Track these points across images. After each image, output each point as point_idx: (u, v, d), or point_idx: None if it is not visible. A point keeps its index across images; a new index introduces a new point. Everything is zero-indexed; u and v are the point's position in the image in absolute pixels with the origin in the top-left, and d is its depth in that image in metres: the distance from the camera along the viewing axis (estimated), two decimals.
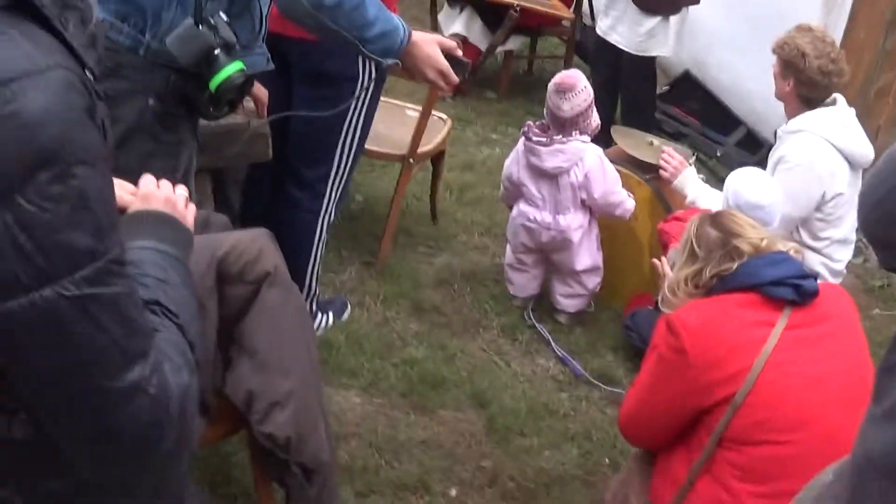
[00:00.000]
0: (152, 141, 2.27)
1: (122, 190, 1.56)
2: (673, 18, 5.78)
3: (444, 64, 2.80)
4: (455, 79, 2.86)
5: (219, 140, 2.81)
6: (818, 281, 2.56)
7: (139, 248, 1.42)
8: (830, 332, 2.50)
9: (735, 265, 2.54)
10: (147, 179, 1.60)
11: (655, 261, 3.11)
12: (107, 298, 1.15)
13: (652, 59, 5.95)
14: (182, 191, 1.63)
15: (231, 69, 2.21)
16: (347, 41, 2.58)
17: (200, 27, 2.20)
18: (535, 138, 4.01)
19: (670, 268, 2.87)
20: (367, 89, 3.28)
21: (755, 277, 2.49)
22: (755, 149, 6.14)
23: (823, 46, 3.86)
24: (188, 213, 1.62)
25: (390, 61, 2.72)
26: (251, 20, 2.49)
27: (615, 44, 5.87)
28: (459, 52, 2.91)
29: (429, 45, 2.77)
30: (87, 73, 1.17)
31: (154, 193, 1.58)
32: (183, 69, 2.25)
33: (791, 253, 2.60)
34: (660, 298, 2.76)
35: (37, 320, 1.10)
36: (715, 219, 2.70)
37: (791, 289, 2.45)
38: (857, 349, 2.55)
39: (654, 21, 5.73)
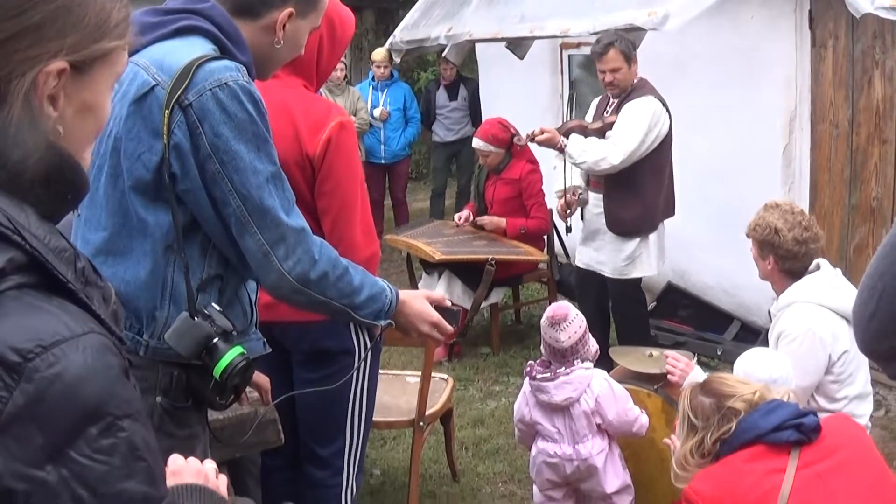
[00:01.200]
0: (167, 438, 2.27)
1: None
2: (651, 236, 5.98)
3: (436, 316, 2.83)
4: (449, 328, 2.89)
5: (230, 432, 2.84)
6: (819, 416, 2.58)
7: None
8: (844, 460, 2.51)
9: (734, 425, 2.57)
10: (174, 457, 1.64)
11: (667, 440, 3.12)
12: None
13: (638, 280, 6.10)
14: (211, 464, 1.67)
15: (232, 354, 2.26)
16: (339, 311, 2.60)
17: (196, 319, 2.27)
18: (539, 376, 4.05)
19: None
20: (365, 360, 3.34)
21: (756, 430, 2.53)
22: (753, 339, 6.20)
23: (793, 217, 3.97)
24: (220, 484, 1.66)
25: (383, 323, 2.72)
26: (241, 308, 2.57)
27: (599, 272, 6.03)
28: (448, 303, 2.98)
29: (418, 301, 2.81)
30: (117, 341, 1.24)
31: (184, 467, 1.62)
32: (185, 362, 2.31)
33: (784, 398, 2.63)
34: (672, 476, 2.77)
35: None
36: (704, 387, 2.76)
37: (793, 430, 2.48)
38: (875, 471, 2.54)
39: (634, 243, 5.92)
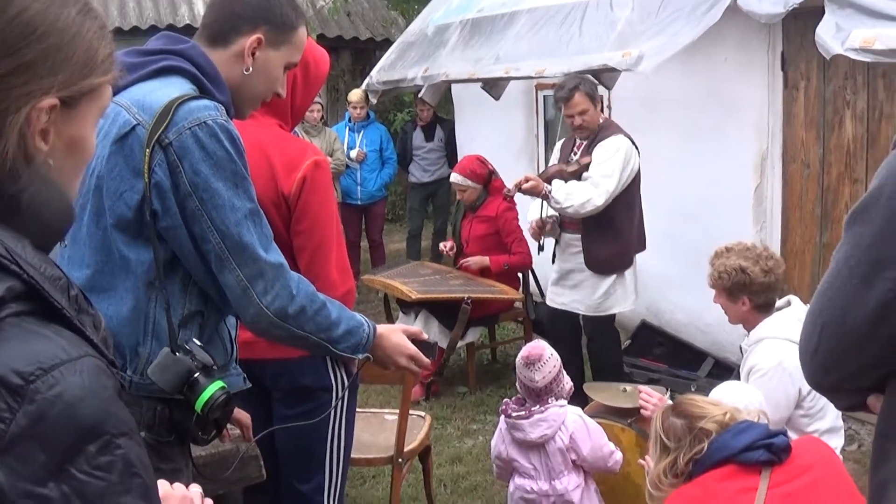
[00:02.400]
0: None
1: None
2: (627, 272, 6.06)
3: (413, 349, 2.86)
4: (426, 361, 2.92)
5: (213, 468, 2.84)
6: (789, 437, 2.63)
7: None
8: (815, 480, 2.55)
9: (705, 445, 2.62)
10: (161, 482, 1.66)
11: (641, 461, 3.16)
12: None
13: (612, 317, 6.16)
14: (196, 488, 1.70)
15: (213, 389, 2.28)
16: (317, 345, 2.63)
17: (177, 354, 2.30)
18: (514, 414, 4.08)
19: None
20: (343, 396, 3.37)
21: (727, 450, 2.58)
22: (727, 375, 6.21)
23: (750, 252, 4.05)
24: None
25: (361, 357, 2.75)
26: (222, 343, 2.60)
27: (573, 311, 6.08)
28: (425, 336, 3.01)
29: (395, 335, 2.84)
30: (110, 364, 1.29)
31: (170, 493, 1.64)
32: (168, 397, 2.33)
33: (755, 419, 2.69)
34: (647, 496, 2.81)
35: None
36: (676, 408, 2.81)
37: (763, 450, 2.54)
38: (845, 491, 2.58)
39: (611, 280, 6.00)
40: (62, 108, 1.27)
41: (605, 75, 6.61)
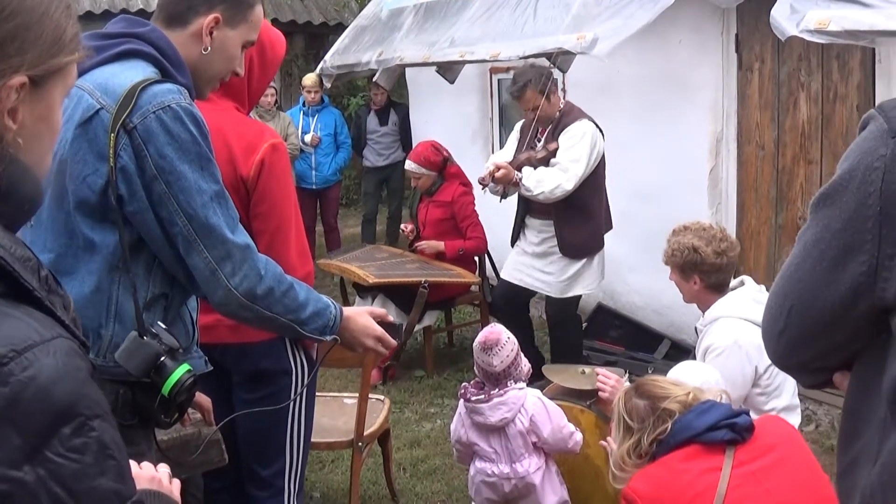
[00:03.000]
0: None
1: None
2: (597, 255, 6.13)
3: (380, 330, 2.88)
4: (393, 342, 2.94)
5: (175, 453, 2.81)
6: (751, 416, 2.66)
7: None
8: (779, 459, 2.58)
9: (669, 425, 2.64)
10: (130, 462, 1.65)
11: (603, 443, 3.18)
12: None
13: (577, 299, 6.20)
14: (164, 468, 1.69)
15: (180, 372, 2.27)
16: (285, 326, 2.64)
17: (145, 338, 2.29)
18: (473, 398, 4.07)
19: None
20: (303, 380, 3.36)
21: (690, 430, 2.60)
22: (683, 357, 6.24)
23: (706, 233, 4.09)
24: (174, 488, 1.69)
25: (328, 338, 2.76)
26: (184, 326, 2.59)
27: (539, 290, 6.11)
28: (390, 318, 3.02)
29: (362, 317, 2.86)
30: (81, 346, 1.27)
31: (139, 473, 1.64)
32: (130, 380, 2.31)
33: (717, 399, 2.71)
34: (610, 476, 2.83)
35: None
36: (638, 389, 2.83)
37: (726, 430, 2.56)
38: (809, 468, 2.62)
39: (580, 263, 6.03)
40: (31, 86, 1.26)
41: (561, 58, 6.60)
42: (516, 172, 5.90)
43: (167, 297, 2.50)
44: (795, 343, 1.63)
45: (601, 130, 5.97)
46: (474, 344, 4.14)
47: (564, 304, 6.17)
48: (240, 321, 2.63)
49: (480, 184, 6.33)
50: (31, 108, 1.28)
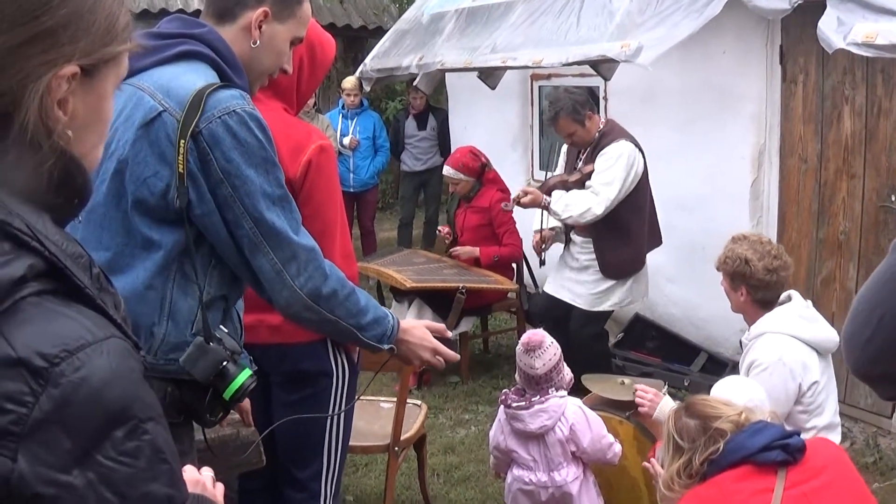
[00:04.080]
0: None
1: None
2: (640, 272, 6.10)
3: (438, 343, 2.86)
4: (452, 355, 2.93)
5: (214, 452, 2.83)
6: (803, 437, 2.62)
7: None
8: (829, 481, 2.55)
9: (721, 445, 2.60)
10: None
11: (646, 464, 3.15)
12: None
13: (607, 315, 6.16)
14: (208, 472, 1.67)
15: (243, 377, 2.30)
16: (345, 331, 2.64)
17: (210, 344, 2.30)
18: (514, 404, 4.05)
19: (661, 465, 2.91)
20: (344, 383, 3.35)
21: (744, 450, 2.56)
22: (720, 370, 6.25)
23: (762, 247, 4.03)
24: (217, 492, 1.66)
25: (385, 347, 2.75)
26: (233, 328, 2.59)
27: (570, 302, 6.06)
28: (449, 333, 3.00)
29: (419, 329, 2.85)
30: (134, 346, 1.24)
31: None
32: (178, 378, 2.32)
33: (769, 419, 2.67)
34: (658, 497, 2.79)
35: None
36: (689, 409, 2.79)
37: (779, 451, 2.52)
38: (858, 492, 2.58)
39: (613, 280, 5.98)
40: (82, 76, 1.22)
41: (603, 66, 6.58)
42: (545, 197, 5.88)
43: (226, 299, 2.52)
44: (883, 352, 1.61)
45: (641, 149, 5.88)
46: (517, 346, 4.12)
47: (591, 319, 6.10)
48: (302, 324, 2.64)
49: (504, 209, 6.35)
50: (82, 99, 1.24)
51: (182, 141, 2.30)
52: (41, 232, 1.16)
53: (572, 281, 6.15)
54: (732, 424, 2.66)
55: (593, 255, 6.04)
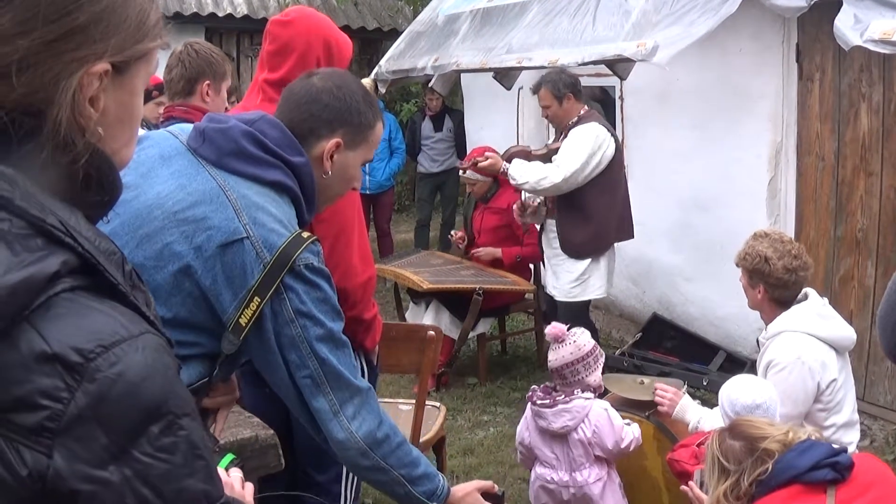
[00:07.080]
0: None
1: None
2: (602, 258, 6.09)
3: None
4: None
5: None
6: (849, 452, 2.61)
7: None
8: (877, 498, 2.54)
9: (770, 465, 2.59)
10: None
11: (685, 487, 3.13)
12: None
13: (586, 304, 6.17)
14: (237, 472, 1.67)
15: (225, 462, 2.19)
16: (396, 482, 2.53)
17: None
18: (539, 401, 4.06)
19: (700, 487, 2.90)
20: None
21: (793, 469, 2.55)
22: (738, 369, 6.19)
23: (783, 246, 4.00)
24: (246, 493, 1.66)
25: None
26: None
27: (550, 294, 6.15)
28: (497, 489, 2.88)
29: (470, 496, 2.73)
30: (167, 342, 1.24)
31: None
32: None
33: (813, 437, 2.66)
34: None
35: None
36: (733, 430, 2.77)
37: (829, 469, 2.50)
38: None
39: (584, 265, 6.03)
40: (113, 73, 1.21)
41: (619, 66, 6.57)
42: (504, 163, 6.01)
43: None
44: None
45: (615, 136, 6.02)
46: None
47: (573, 309, 6.09)
48: (356, 472, 2.60)
49: (460, 170, 6.42)
50: (113, 96, 1.23)
51: (257, 298, 2.24)
52: (74, 228, 1.16)
53: (552, 275, 6.25)
54: (780, 444, 2.65)
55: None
